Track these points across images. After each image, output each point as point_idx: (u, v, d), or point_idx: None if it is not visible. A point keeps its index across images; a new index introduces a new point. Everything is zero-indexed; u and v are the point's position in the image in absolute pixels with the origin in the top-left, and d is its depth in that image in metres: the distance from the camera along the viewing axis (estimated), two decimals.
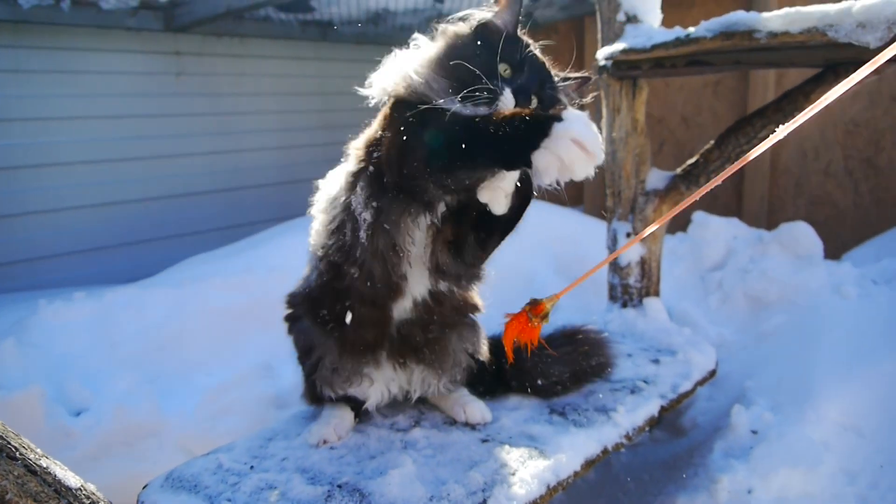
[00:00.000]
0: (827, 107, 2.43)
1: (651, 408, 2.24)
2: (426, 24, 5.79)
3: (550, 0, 5.36)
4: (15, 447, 1.36)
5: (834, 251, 4.61)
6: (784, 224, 3.51)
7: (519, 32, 1.71)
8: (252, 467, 1.88)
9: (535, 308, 1.52)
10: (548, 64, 1.71)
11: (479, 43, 1.63)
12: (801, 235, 3.42)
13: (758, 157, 4.89)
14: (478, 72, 1.56)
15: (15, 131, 4.35)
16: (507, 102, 1.56)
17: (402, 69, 1.66)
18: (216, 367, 3.02)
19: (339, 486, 1.75)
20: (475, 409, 2.09)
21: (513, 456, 1.87)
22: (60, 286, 4.35)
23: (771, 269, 3.29)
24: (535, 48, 1.71)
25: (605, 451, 2.00)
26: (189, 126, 5.17)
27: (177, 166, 5.16)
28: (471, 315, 2.08)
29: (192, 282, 3.42)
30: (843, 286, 3.13)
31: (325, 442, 1.96)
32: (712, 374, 2.62)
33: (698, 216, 3.84)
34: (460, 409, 2.09)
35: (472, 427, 2.05)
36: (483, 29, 1.67)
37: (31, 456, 1.39)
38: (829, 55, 2.26)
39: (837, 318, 2.92)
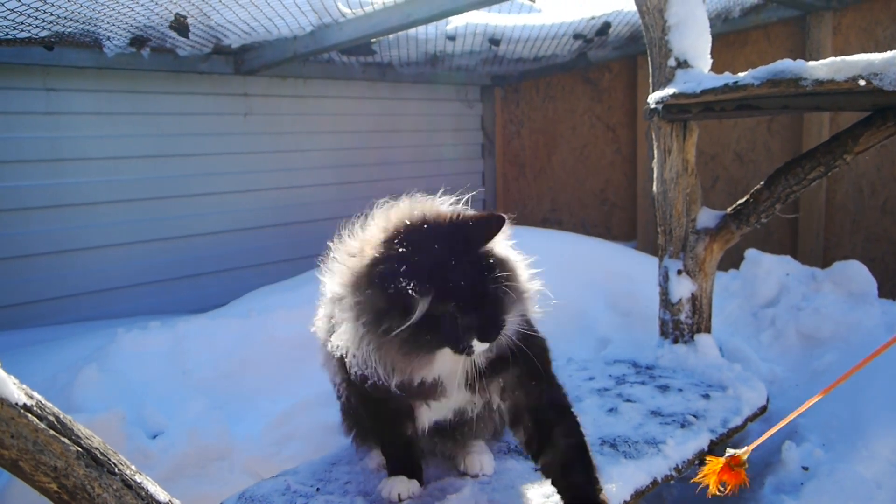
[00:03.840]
0: (883, 144, 2.49)
1: (701, 441, 2.30)
2: (482, 64, 6.01)
3: (604, 41, 5.49)
4: (114, 463, 1.51)
5: (892, 288, 4.56)
6: (838, 262, 3.52)
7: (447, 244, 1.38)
8: (318, 489, 2.01)
9: (734, 459, 1.75)
10: (506, 262, 1.48)
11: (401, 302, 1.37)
12: (855, 274, 3.42)
13: (813, 194, 4.84)
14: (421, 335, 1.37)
15: (94, 170, 4.63)
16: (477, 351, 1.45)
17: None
18: (281, 394, 3.16)
19: None
20: (476, 461, 2.05)
21: None
22: (134, 315, 4.59)
23: (824, 306, 3.30)
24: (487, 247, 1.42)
25: (654, 483, 2.07)
26: (255, 163, 5.42)
27: (243, 201, 5.40)
28: None
29: (259, 313, 3.58)
30: None
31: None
32: (763, 409, 2.65)
33: (751, 254, 3.86)
34: (470, 458, 2.06)
35: (526, 456, 2.14)
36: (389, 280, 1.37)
37: (128, 472, 1.54)
38: (875, 100, 2.32)
39: (891, 357, 2.91)
